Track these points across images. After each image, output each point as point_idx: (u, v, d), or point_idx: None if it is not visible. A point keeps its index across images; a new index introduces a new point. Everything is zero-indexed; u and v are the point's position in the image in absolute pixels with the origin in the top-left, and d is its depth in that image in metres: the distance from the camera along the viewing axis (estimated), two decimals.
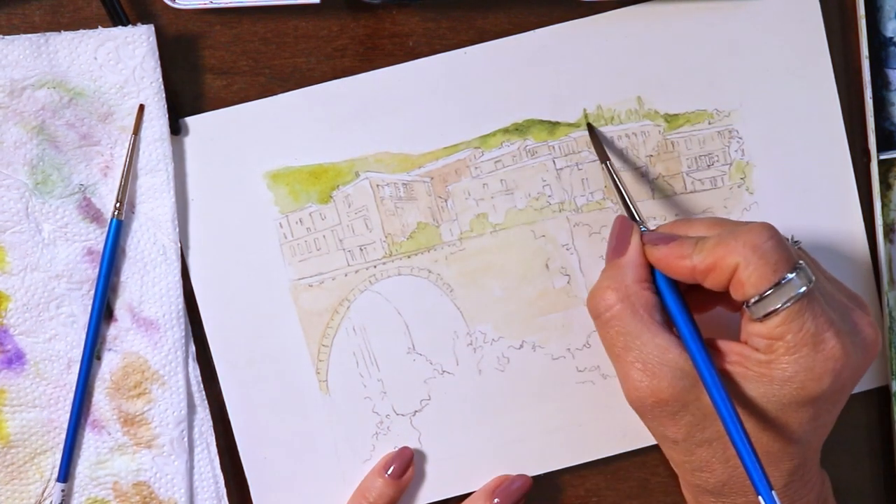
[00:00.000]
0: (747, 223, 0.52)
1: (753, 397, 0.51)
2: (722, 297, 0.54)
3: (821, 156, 0.60)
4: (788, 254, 0.50)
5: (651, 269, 0.54)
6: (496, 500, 0.60)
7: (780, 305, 0.49)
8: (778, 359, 0.50)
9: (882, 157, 0.60)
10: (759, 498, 0.48)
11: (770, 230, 0.51)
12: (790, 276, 0.49)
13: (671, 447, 0.54)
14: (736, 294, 0.51)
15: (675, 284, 0.53)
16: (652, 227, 0.56)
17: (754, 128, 0.60)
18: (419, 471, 0.61)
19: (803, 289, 0.49)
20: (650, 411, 0.53)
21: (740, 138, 0.60)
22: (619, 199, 0.58)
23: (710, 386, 0.50)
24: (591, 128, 0.60)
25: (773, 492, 0.48)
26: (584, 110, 0.60)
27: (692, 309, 0.54)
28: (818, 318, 0.50)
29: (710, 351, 0.52)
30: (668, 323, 0.53)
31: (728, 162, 0.61)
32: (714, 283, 0.51)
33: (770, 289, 0.49)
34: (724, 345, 0.53)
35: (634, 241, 0.54)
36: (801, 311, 0.50)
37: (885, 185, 0.62)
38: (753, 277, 0.50)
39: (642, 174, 0.60)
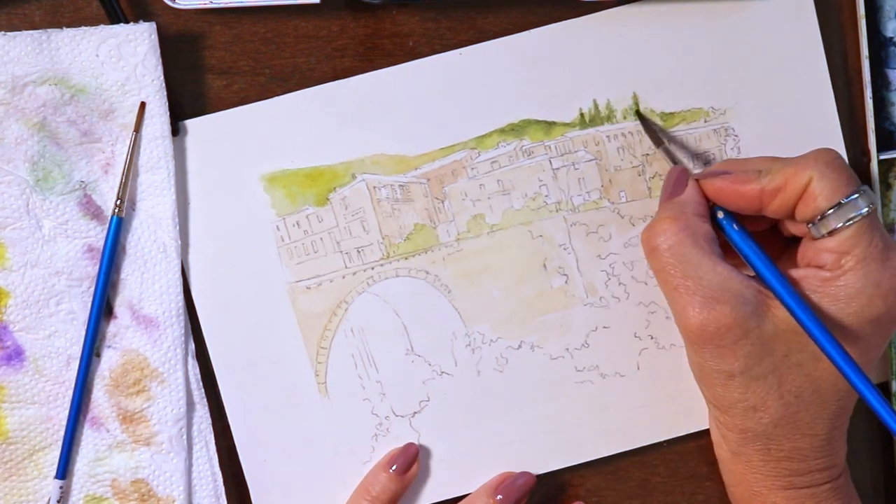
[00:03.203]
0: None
1: None
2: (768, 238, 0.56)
3: None
4: (854, 174, 0.53)
5: (708, 208, 0.55)
6: (499, 497, 0.60)
7: (849, 219, 0.51)
8: (845, 274, 0.52)
9: (882, 157, 0.60)
10: (873, 407, 0.49)
11: (836, 151, 0.53)
12: (856, 194, 0.52)
13: (725, 385, 0.54)
14: (806, 209, 0.52)
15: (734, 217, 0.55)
16: None
17: (750, 125, 0.60)
18: (418, 471, 0.61)
19: (868, 206, 0.52)
20: (710, 341, 0.53)
21: (736, 136, 0.60)
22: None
23: (789, 302, 0.51)
24: (641, 116, 0.60)
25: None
26: (580, 109, 0.60)
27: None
28: (885, 236, 0.52)
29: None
30: (726, 257, 0.54)
31: (724, 160, 0.60)
32: (779, 204, 0.53)
33: (840, 203, 0.51)
34: (785, 272, 0.54)
35: (692, 182, 0.55)
36: (870, 227, 0.52)
37: (885, 185, 0.62)
38: (827, 190, 0.52)
39: (639, 173, 0.60)
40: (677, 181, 0.56)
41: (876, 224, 0.52)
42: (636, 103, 0.60)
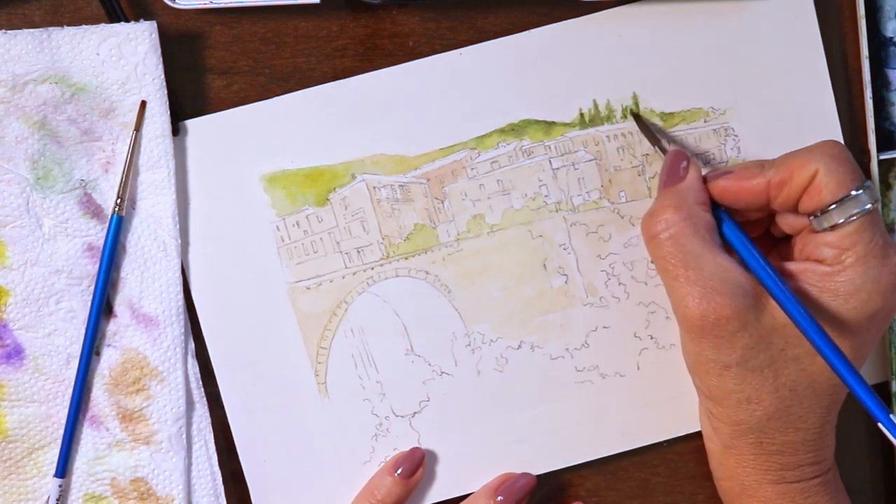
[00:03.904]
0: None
1: (813, 315, 0.51)
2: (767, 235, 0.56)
3: None
4: (859, 168, 0.53)
5: (709, 196, 0.55)
6: (500, 498, 0.60)
7: (852, 216, 0.51)
8: (845, 270, 0.52)
9: (882, 157, 0.60)
10: (860, 401, 0.49)
11: (842, 144, 0.53)
12: (860, 190, 0.51)
13: (721, 375, 0.54)
14: (810, 202, 0.52)
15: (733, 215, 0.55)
16: None
17: (750, 125, 0.60)
18: (423, 475, 0.61)
19: (871, 203, 0.52)
20: (709, 332, 0.53)
21: (736, 136, 0.60)
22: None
23: (782, 299, 0.51)
24: (636, 117, 0.60)
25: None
26: (580, 109, 0.60)
27: None
28: (885, 233, 0.53)
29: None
30: (726, 247, 0.54)
31: (724, 160, 0.60)
32: (785, 197, 0.53)
33: (845, 197, 0.51)
34: (782, 265, 0.54)
35: (693, 168, 0.55)
36: (872, 224, 0.52)
37: (885, 185, 0.62)
38: (833, 184, 0.51)
39: (639, 173, 0.60)
40: (674, 165, 0.55)
41: (877, 221, 0.52)
42: (636, 104, 0.60)
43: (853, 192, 0.51)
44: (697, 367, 0.55)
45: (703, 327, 0.53)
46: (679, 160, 0.56)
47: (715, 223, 0.54)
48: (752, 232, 0.57)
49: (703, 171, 0.56)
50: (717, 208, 0.55)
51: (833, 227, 0.52)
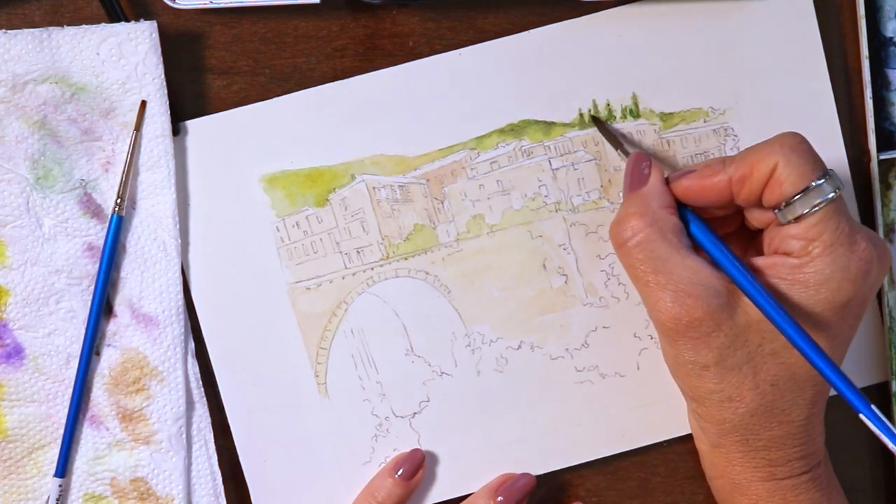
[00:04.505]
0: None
1: (786, 309, 0.51)
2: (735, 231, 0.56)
3: None
4: (820, 158, 0.52)
5: (673, 198, 0.54)
6: (500, 498, 0.60)
7: (815, 206, 0.51)
8: (813, 260, 0.52)
9: (882, 157, 0.60)
10: (840, 393, 0.49)
11: (801, 135, 0.53)
12: (822, 179, 0.51)
13: (700, 376, 0.54)
14: (772, 196, 0.52)
15: (698, 213, 0.55)
16: None
17: (749, 125, 0.60)
18: (424, 477, 0.61)
19: (835, 192, 0.51)
20: (683, 334, 0.53)
21: (735, 136, 0.60)
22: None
23: (755, 295, 0.51)
24: (597, 121, 0.60)
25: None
26: (580, 110, 0.60)
27: None
28: (850, 220, 0.52)
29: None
30: (694, 247, 0.54)
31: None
32: (748, 192, 0.53)
33: (807, 188, 0.51)
34: (751, 261, 0.54)
35: (655, 171, 0.55)
36: (836, 212, 0.51)
37: (885, 185, 0.62)
38: (793, 176, 0.51)
39: None
40: (637, 169, 0.55)
41: (842, 209, 0.52)
42: (591, 110, 0.60)
43: (815, 183, 0.51)
44: (677, 369, 0.55)
45: (677, 330, 0.53)
46: (640, 163, 0.55)
47: (682, 225, 0.54)
48: (727, 228, 0.57)
49: (667, 173, 0.56)
50: (684, 208, 0.55)
51: (798, 219, 0.52)
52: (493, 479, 0.61)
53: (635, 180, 0.55)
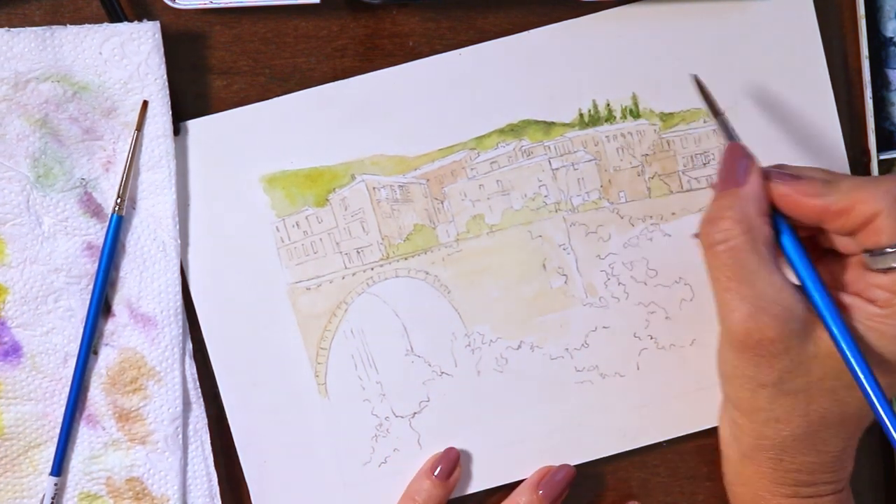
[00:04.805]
0: (876, 176, 0.52)
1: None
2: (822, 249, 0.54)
3: (816, 153, 0.60)
4: None
5: (770, 204, 0.52)
6: (540, 492, 0.59)
7: None
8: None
9: (882, 157, 0.60)
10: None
11: None
12: None
13: (755, 392, 0.53)
14: (867, 240, 0.50)
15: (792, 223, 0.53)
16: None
17: (750, 125, 0.60)
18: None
19: None
20: (752, 349, 0.51)
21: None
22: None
23: (837, 333, 0.50)
24: (698, 81, 0.56)
25: None
26: (579, 110, 0.60)
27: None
28: None
29: None
30: (780, 262, 0.52)
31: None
32: (841, 226, 0.51)
33: None
34: (835, 295, 0.52)
35: (756, 172, 0.52)
36: None
37: None
38: (893, 228, 0.49)
39: (638, 173, 0.60)
40: (735, 165, 0.53)
41: None
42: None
43: None
44: (732, 379, 0.54)
45: (746, 343, 0.51)
46: (739, 158, 0.53)
47: (773, 236, 0.52)
48: (805, 232, 0.55)
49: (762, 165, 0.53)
50: (779, 217, 0.52)
51: (887, 270, 0.50)
52: (533, 473, 0.60)
53: (731, 176, 0.52)
